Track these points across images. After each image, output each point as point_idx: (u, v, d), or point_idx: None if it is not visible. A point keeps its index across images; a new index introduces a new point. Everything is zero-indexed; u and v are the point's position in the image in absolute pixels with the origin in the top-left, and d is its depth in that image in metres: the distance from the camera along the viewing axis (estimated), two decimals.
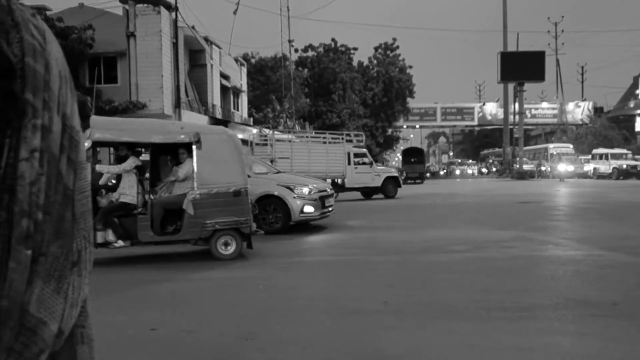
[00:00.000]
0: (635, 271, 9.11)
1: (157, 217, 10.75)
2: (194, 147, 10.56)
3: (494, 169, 72.69)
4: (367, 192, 30.38)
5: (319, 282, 9.05)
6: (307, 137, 34.74)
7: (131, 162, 10.88)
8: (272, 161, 23.46)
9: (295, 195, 14.82)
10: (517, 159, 58.27)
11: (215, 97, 41.18)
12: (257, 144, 28.17)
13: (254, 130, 45.01)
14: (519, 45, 66.06)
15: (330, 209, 15.85)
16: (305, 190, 15.06)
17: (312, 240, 14.07)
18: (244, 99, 50.61)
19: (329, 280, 9.12)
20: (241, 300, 7.80)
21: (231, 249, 10.82)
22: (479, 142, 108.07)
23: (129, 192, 10.77)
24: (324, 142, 30.65)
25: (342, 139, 30.03)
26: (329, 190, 16.19)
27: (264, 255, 11.50)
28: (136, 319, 6.80)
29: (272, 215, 14.67)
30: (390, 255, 11.32)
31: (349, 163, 30.37)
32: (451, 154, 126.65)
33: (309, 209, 14.81)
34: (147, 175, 12.12)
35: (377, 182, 29.67)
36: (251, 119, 51.31)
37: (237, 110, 47.73)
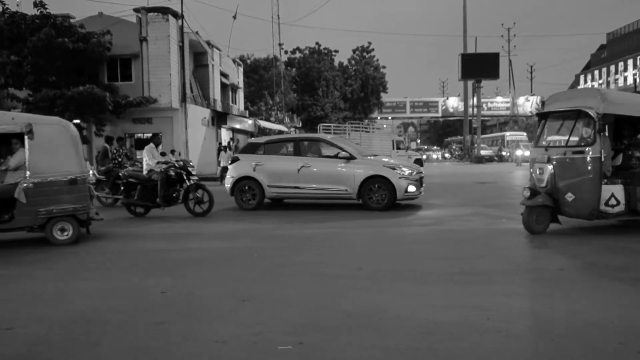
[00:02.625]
0: (577, 240, 9.21)
1: None
2: (26, 137, 9.70)
3: (455, 154, 73.17)
4: None
5: (304, 253, 8.89)
6: (365, 127, 37.89)
7: None
8: None
9: (401, 176, 14.12)
10: (475, 145, 58.60)
11: (216, 92, 41.01)
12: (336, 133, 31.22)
13: (249, 121, 45.31)
14: (477, 48, 66.29)
15: (422, 189, 14.90)
16: (408, 171, 14.42)
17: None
18: (240, 95, 50.57)
19: (305, 250, 8.97)
20: (239, 266, 7.79)
21: (68, 234, 10.00)
22: (442, 131, 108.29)
23: None
24: (373, 132, 34.29)
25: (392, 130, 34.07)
26: (422, 172, 15.31)
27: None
28: (147, 283, 6.83)
29: (378, 194, 14.05)
30: (364, 228, 11.28)
31: (393, 148, 32.89)
32: (419, 141, 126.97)
33: (412, 188, 14.18)
34: None
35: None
36: (247, 112, 51.26)
37: (235, 104, 47.72)
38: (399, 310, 5.43)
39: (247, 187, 14.85)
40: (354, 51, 79.35)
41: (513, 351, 4.33)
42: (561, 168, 9.56)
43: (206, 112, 37.46)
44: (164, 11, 32.85)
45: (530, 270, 7.27)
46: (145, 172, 14.08)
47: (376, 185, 14.10)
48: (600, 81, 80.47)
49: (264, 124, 47.06)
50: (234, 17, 47.55)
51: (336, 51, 76.29)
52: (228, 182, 15.22)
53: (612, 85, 75.92)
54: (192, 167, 14.04)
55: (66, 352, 4.59)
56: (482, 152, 57.21)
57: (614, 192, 9.31)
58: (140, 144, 31.35)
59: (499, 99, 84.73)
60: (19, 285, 7.04)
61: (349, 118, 72.64)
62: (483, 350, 4.36)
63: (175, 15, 33.50)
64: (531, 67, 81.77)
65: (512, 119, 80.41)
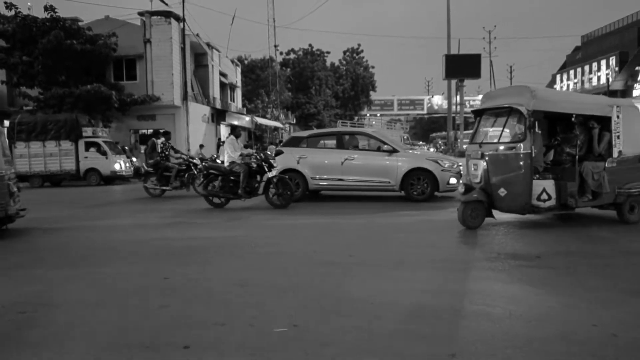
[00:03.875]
0: (551, 230, 9.26)
1: None
2: None
3: (440, 149, 73.17)
4: None
5: (298, 239, 8.87)
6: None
7: None
8: None
9: (443, 168, 13.84)
10: (459, 140, 58.65)
11: (215, 91, 40.98)
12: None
13: (247, 118, 45.26)
14: (460, 49, 66.27)
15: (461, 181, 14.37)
16: (449, 163, 14.11)
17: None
18: (238, 93, 50.49)
19: (306, 237, 8.97)
20: (236, 254, 7.78)
21: None
22: (428, 127, 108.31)
23: None
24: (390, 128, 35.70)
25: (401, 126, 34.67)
26: (461, 165, 14.45)
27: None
28: (151, 269, 6.81)
29: (420, 186, 13.78)
30: (356, 217, 11.24)
31: (402, 143, 34.51)
32: (406, 136, 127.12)
33: (453, 180, 13.80)
34: None
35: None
36: (244, 109, 51.27)
37: (233, 102, 47.64)
38: (386, 295, 5.44)
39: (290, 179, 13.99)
40: (344, 52, 79.72)
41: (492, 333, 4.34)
42: (494, 164, 9.28)
43: (206, 110, 37.47)
44: (167, 15, 32.86)
45: (510, 257, 7.19)
46: (227, 164, 13.80)
47: (419, 178, 13.87)
48: (576, 80, 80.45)
49: (260, 120, 47.05)
50: (232, 21, 47.43)
51: (328, 52, 76.57)
52: (272, 174, 14.11)
53: (587, 85, 76.04)
54: (274, 159, 13.69)
55: (65, 332, 4.57)
56: (465, 147, 57.10)
57: (545, 187, 9.10)
58: (144, 139, 31.38)
59: (480, 97, 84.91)
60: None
61: (340, 115, 72.76)
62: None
63: (177, 18, 33.49)
64: (511, 67, 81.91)
65: None
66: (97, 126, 27.23)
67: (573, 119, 10.09)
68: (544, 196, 9.05)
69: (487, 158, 9.35)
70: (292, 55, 74.01)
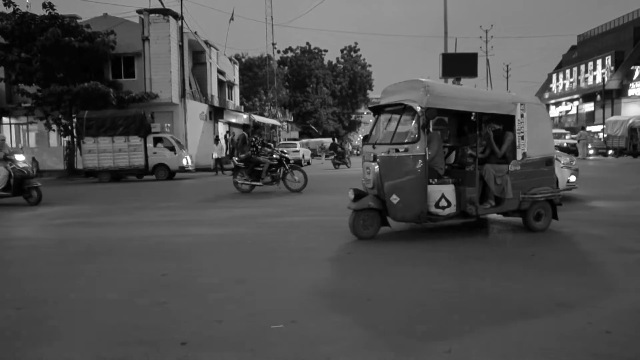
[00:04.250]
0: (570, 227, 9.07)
1: None
2: None
3: None
4: None
5: (290, 237, 8.82)
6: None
7: None
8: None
9: (563, 165, 12.67)
10: None
11: (213, 89, 40.97)
12: None
13: (245, 115, 45.28)
14: (457, 48, 66.41)
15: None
16: (567, 159, 13.12)
17: None
18: (236, 91, 50.49)
19: (292, 234, 8.94)
20: (234, 251, 7.79)
21: None
22: None
23: None
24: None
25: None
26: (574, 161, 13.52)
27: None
28: (150, 266, 6.81)
29: None
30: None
31: None
32: None
33: (573, 178, 12.82)
34: None
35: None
36: (242, 107, 51.27)
37: (231, 99, 47.64)
38: (383, 291, 5.45)
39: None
40: (342, 51, 79.71)
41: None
42: (386, 167, 8.24)
43: (204, 107, 37.44)
44: (165, 12, 32.91)
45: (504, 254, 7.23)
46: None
47: None
48: (572, 79, 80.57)
49: (258, 118, 47.01)
50: (231, 19, 47.44)
51: (326, 50, 76.65)
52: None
53: (583, 84, 76.17)
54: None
55: (63, 328, 4.58)
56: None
57: (444, 192, 8.23)
58: None
59: None
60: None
61: (338, 113, 72.77)
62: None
63: (176, 16, 33.51)
64: (507, 66, 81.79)
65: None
66: None
67: (472, 118, 9.37)
68: (443, 202, 8.21)
69: (379, 161, 8.34)
70: (289, 54, 74.14)
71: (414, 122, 8.16)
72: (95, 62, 31.30)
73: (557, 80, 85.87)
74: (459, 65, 58.75)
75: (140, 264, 7.07)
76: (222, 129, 40.67)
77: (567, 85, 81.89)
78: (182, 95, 33.68)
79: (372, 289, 5.59)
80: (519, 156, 8.66)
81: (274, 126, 52.57)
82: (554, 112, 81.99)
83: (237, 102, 50.26)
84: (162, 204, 14.21)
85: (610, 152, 41.52)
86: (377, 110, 9.43)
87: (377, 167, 8.30)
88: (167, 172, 25.73)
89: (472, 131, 9.26)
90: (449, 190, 8.27)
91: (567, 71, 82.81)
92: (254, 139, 17.15)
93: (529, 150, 8.70)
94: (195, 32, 37.75)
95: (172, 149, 25.84)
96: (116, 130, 25.28)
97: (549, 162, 8.95)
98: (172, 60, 32.87)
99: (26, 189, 14.32)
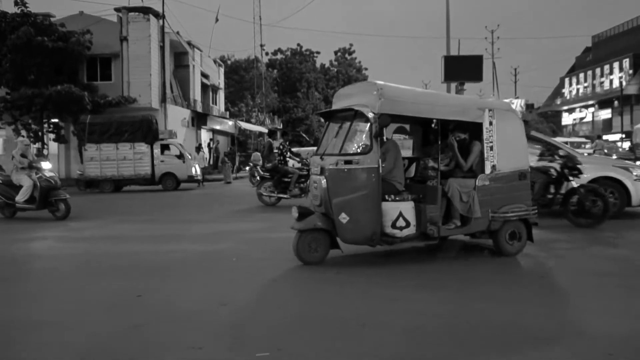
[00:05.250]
0: (576, 248, 9.27)
1: None
2: None
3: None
4: None
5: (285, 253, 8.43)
6: None
7: None
8: None
9: (636, 177, 12.15)
10: None
11: (196, 93, 41.41)
12: None
13: (230, 122, 45.90)
14: (460, 50, 66.94)
15: None
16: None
17: None
18: (221, 95, 50.90)
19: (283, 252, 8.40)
20: (217, 270, 7.85)
21: None
22: None
23: None
24: None
25: None
26: None
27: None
28: (124, 286, 6.80)
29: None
30: None
31: None
32: None
33: None
34: None
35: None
36: (227, 113, 51.56)
37: (215, 104, 48.01)
38: (377, 316, 5.50)
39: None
40: (335, 53, 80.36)
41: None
42: (334, 182, 7.76)
43: (186, 113, 37.78)
44: (145, 11, 33.17)
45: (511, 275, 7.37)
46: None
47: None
48: (586, 84, 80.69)
49: (244, 125, 47.53)
50: (216, 19, 48.27)
51: (318, 52, 77.25)
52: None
53: (598, 89, 76.65)
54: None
55: (33, 353, 4.62)
56: None
57: (402, 210, 7.75)
58: None
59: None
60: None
61: None
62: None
63: (157, 15, 33.77)
64: (515, 69, 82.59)
65: None
66: (68, 130, 27.64)
67: (434, 126, 9.01)
68: (401, 222, 7.72)
69: (327, 174, 7.85)
70: (279, 56, 74.73)
71: (366, 130, 7.85)
72: (70, 64, 31.29)
73: (570, 84, 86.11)
74: (462, 69, 59.14)
75: (116, 282, 7.05)
76: (205, 136, 41.25)
77: (581, 90, 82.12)
78: (163, 99, 33.95)
79: (366, 312, 5.62)
80: (488, 169, 8.30)
81: (261, 134, 53.21)
82: (567, 119, 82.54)
83: (222, 108, 50.68)
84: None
85: (638, 162, 41.54)
86: (328, 116, 9.19)
87: (324, 181, 7.84)
88: (175, 181, 25.64)
89: (437, 141, 8.67)
90: (407, 207, 7.84)
91: (581, 75, 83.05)
92: (281, 146, 16.68)
93: (499, 163, 8.34)
94: (178, 32, 38.14)
95: (180, 156, 25.71)
96: (121, 137, 24.96)
97: (523, 176, 8.57)
98: (152, 62, 33.14)
99: (53, 202, 13.89)
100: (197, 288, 6.83)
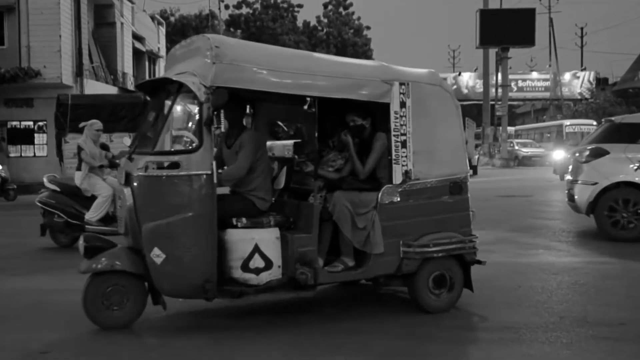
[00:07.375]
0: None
1: None
2: None
3: (480, 153, 69.13)
4: None
5: None
6: None
7: None
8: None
9: None
10: (499, 142, 56.69)
11: (126, 63, 41.41)
12: None
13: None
14: (503, 2, 66.98)
15: None
16: None
17: None
18: (161, 66, 50.78)
19: None
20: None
21: None
22: None
23: None
24: None
25: None
26: None
27: None
28: (25, 338, 6.73)
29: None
30: None
31: None
32: None
33: None
34: None
35: None
36: None
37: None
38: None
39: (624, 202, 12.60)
40: (325, 6, 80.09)
41: None
42: (144, 197, 6.75)
43: (112, 91, 37.07)
44: None
45: (579, 323, 7.16)
46: None
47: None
48: None
49: None
50: None
51: (300, 6, 77.24)
52: (581, 193, 13.13)
53: None
54: None
55: None
56: (524, 151, 55.03)
57: (259, 242, 6.83)
58: (18, 136, 31.20)
59: (534, 75, 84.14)
60: None
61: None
62: None
63: None
64: (581, 29, 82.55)
65: (554, 104, 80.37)
66: None
67: (306, 107, 7.97)
68: (258, 262, 6.81)
69: (133, 184, 6.82)
70: (244, 10, 74.76)
71: (194, 114, 6.92)
72: None
73: None
74: (506, 28, 59.38)
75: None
76: None
77: None
78: (79, 72, 33.63)
79: None
80: (398, 177, 7.35)
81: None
82: None
83: None
84: None
85: None
86: (151, 91, 8.27)
87: (130, 194, 6.82)
88: None
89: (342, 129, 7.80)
90: (268, 238, 6.97)
91: None
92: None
93: (417, 167, 7.45)
94: None
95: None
96: (117, 124, 21.89)
97: (456, 187, 7.76)
98: (63, 19, 32.74)
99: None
100: None
